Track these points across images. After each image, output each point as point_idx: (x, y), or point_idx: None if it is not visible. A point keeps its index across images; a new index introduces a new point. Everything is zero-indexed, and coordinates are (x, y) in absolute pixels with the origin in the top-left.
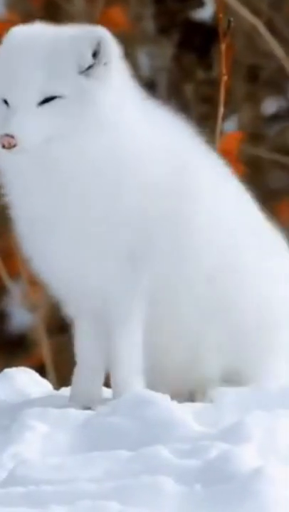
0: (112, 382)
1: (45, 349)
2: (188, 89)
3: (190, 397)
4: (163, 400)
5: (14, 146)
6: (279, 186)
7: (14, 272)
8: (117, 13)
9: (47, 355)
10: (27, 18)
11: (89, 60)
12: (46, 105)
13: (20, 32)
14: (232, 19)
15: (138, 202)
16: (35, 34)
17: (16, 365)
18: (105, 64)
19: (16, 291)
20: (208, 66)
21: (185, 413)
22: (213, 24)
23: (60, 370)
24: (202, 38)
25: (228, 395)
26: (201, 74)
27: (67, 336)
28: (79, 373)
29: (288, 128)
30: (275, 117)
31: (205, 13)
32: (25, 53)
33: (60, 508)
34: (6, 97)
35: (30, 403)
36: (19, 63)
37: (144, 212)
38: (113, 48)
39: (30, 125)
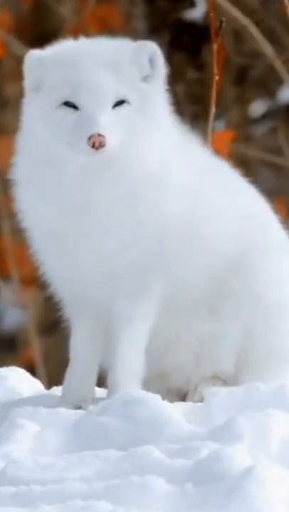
0: (108, 382)
1: (35, 349)
2: (180, 89)
3: (182, 396)
4: (154, 399)
5: (103, 146)
6: (269, 187)
7: (5, 272)
8: (108, 12)
9: (37, 355)
10: (17, 17)
11: (147, 69)
12: (117, 109)
13: (76, 44)
14: (224, 19)
15: (181, 206)
16: (91, 45)
17: (7, 365)
18: (158, 74)
19: (7, 291)
20: (199, 66)
21: (176, 412)
22: (204, 24)
23: (51, 369)
24: (193, 38)
25: (219, 394)
26: (191, 74)
27: (58, 335)
28: (72, 372)
29: (277, 128)
30: (264, 118)
31: (196, 13)
32: (92, 61)
33: (51, 508)
34: (76, 100)
35: (20, 402)
36: (88, 70)
37: (182, 216)
38: (163, 60)
39: (113, 126)
